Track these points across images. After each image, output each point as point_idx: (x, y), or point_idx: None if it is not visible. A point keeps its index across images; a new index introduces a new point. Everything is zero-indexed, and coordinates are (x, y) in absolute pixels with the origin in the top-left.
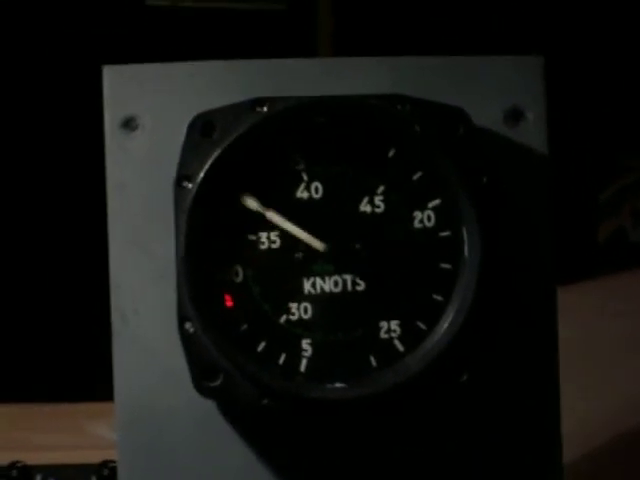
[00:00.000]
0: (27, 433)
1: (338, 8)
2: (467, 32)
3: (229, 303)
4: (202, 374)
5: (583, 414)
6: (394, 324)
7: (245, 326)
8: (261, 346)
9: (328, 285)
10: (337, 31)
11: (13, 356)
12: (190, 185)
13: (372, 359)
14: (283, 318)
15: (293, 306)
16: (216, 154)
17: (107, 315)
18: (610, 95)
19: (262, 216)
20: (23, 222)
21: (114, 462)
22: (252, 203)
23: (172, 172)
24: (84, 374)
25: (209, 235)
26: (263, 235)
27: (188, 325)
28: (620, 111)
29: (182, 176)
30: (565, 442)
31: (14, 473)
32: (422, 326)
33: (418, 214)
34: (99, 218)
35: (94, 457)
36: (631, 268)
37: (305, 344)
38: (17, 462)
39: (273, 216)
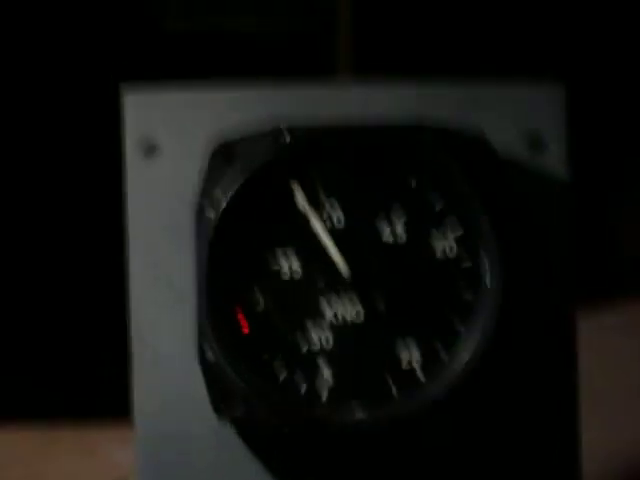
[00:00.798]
0: (45, 462)
1: (357, 28)
2: (488, 54)
3: (247, 330)
4: (222, 400)
5: (605, 444)
6: (415, 354)
7: (266, 356)
8: (282, 376)
9: (350, 315)
10: (356, 51)
11: (30, 376)
12: (212, 215)
13: (393, 388)
14: (305, 348)
15: (315, 336)
16: (239, 183)
17: (126, 337)
18: (628, 111)
19: (283, 244)
20: (42, 241)
21: None
22: (301, 198)
23: (192, 198)
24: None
25: (230, 263)
26: (285, 265)
27: (208, 353)
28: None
29: (203, 203)
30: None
31: None
32: (443, 355)
33: (440, 244)
34: (117, 239)
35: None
36: None
37: (327, 374)
38: None
39: (316, 222)
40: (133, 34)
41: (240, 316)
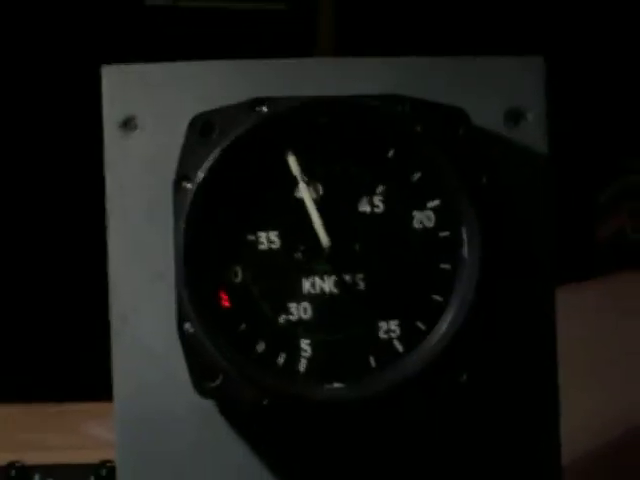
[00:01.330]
0: (25, 433)
1: (339, 8)
2: (468, 32)
3: (227, 303)
4: (201, 374)
5: (584, 415)
6: (393, 324)
7: (244, 326)
8: (260, 346)
9: (327, 285)
10: (337, 31)
11: (11, 356)
12: (189, 185)
13: (371, 359)
14: (282, 318)
15: (292, 306)
16: (215, 154)
17: (106, 315)
18: (610, 96)
19: (262, 215)
20: (22, 222)
21: (112, 462)
22: (294, 163)
23: (171, 172)
24: (82, 374)
25: (208, 236)
26: (262, 235)
27: (187, 326)
28: (621, 112)
29: (181, 176)
30: (565, 442)
31: (12, 473)
32: (421, 326)
33: (417, 214)
34: (98, 218)
35: (92, 457)
36: (630, 268)
37: (304, 344)
38: (15, 462)
39: (304, 189)
40: (115, 10)
41: (219, 289)
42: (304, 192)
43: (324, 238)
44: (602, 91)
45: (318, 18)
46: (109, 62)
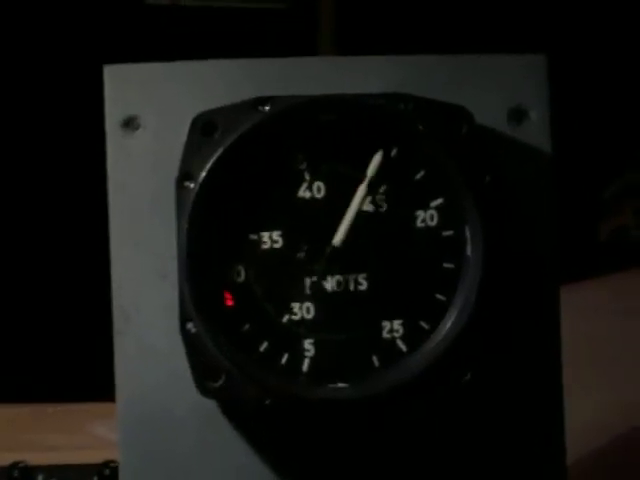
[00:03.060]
0: (28, 434)
1: (340, 6)
2: (470, 30)
3: (230, 302)
4: (204, 374)
5: (587, 413)
6: (397, 324)
7: (247, 326)
8: (263, 346)
9: (330, 284)
10: (339, 29)
11: (15, 356)
12: (192, 185)
13: (375, 359)
14: (285, 318)
15: (295, 306)
16: (218, 153)
17: (109, 315)
18: (613, 94)
19: (264, 214)
20: (25, 222)
21: (115, 462)
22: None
23: (174, 171)
24: (84, 374)
25: (211, 235)
26: (265, 235)
27: (190, 325)
28: (623, 110)
29: (184, 175)
30: (568, 440)
31: (16, 473)
32: (425, 326)
33: (421, 213)
34: (100, 217)
35: (95, 457)
36: (632, 267)
37: (307, 344)
38: (19, 462)
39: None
40: (115, 9)
41: (222, 288)
42: (359, 192)
43: (339, 237)
44: (605, 89)
45: (319, 16)
46: (109, 61)
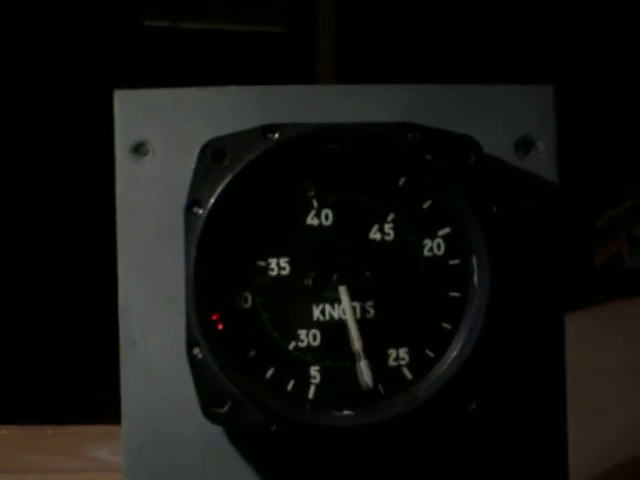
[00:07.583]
0: (28, 455)
1: (339, 31)
2: (473, 60)
3: (227, 329)
4: (210, 399)
5: (579, 444)
6: (402, 352)
7: (253, 352)
8: (269, 372)
9: (337, 312)
10: (338, 52)
11: (14, 377)
12: (200, 211)
13: (380, 387)
14: (292, 345)
15: (302, 333)
16: (227, 180)
17: (115, 338)
18: (608, 121)
19: (272, 241)
20: (33, 245)
21: None
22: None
23: (182, 198)
24: (87, 397)
25: (218, 261)
26: (272, 261)
27: (196, 350)
28: (618, 137)
29: (192, 202)
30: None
31: None
32: (430, 354)
33: (428, 242)
34: (108, 243)
35: None
36: (627, 294)
37: (313, 371)
38: None
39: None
40: (113, 31)
41: (224, 315)
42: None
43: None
44: (600, 117)
45: (318, 41)
46: (107, 82)
